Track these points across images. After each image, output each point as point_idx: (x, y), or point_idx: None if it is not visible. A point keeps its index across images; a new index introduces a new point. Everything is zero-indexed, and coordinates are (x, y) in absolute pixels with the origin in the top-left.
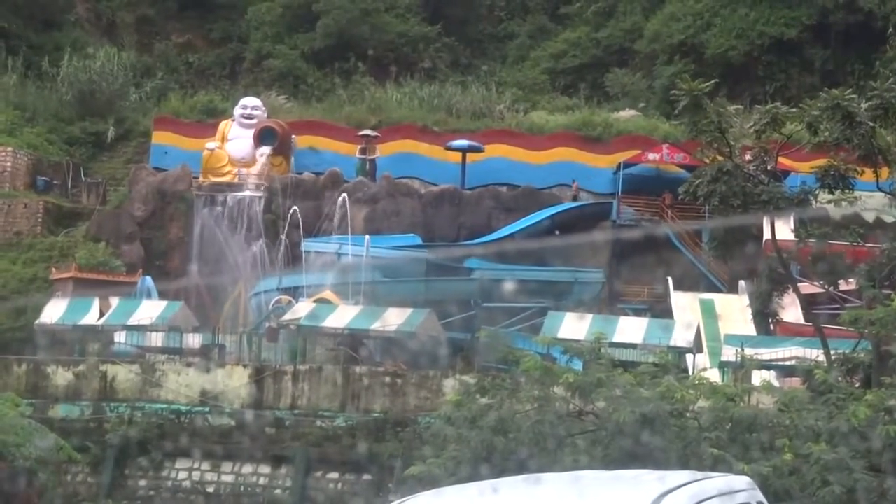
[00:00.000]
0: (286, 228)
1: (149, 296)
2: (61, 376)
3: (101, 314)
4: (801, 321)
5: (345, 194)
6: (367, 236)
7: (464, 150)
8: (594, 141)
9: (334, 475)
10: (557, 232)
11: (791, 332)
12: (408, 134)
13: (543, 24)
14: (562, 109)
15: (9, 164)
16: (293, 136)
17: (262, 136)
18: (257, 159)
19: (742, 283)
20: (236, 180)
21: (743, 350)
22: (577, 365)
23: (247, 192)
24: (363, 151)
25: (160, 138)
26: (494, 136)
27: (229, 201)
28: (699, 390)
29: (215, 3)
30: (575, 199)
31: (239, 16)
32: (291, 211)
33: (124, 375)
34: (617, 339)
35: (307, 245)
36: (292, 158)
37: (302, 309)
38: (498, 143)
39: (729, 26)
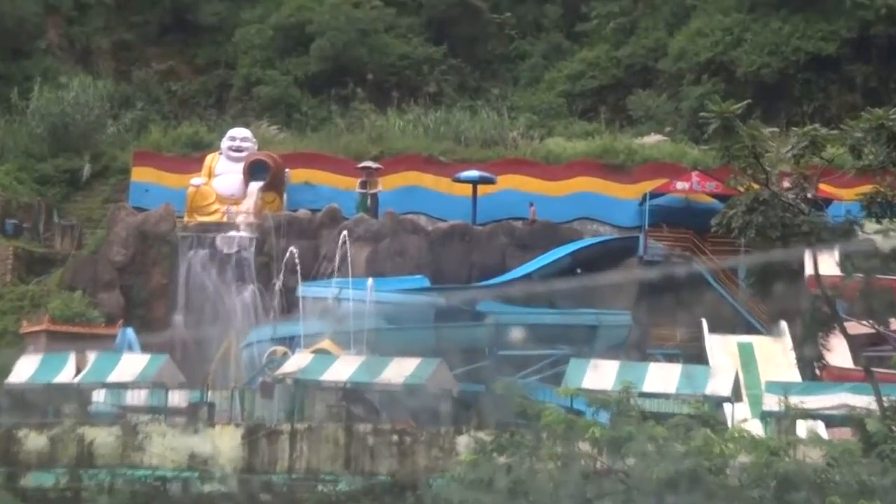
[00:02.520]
0: (281, 272)
1: (130, 349)
2: (34, 441)
3: (78, 371)
4: (850, 365)
5: (344, 233)
6: (370, 279)
7: (474, 182)
8: (617, 169)
9: None
10: (579, 271)
11: (839, 378)
12: (412, 165)
13: (558, 42)
14: (580, 135)
15: None
16: (287, 170)
17: (253, 171)
18: (248, 196)
19: (783, 323)
20: (225, 219)
21: (786, 398)
22: (604, 418)
23: (237, 233)
24: (363, 185)
25: (140, 175)
26: (507, 166)
27: (218, 243)
28: (739, 444)
29: (199, 25)
30: (532, 223)
31: (226, 39)
32: (287, 252)
33: (103, 438)
34: (647, 388)
35: (304, 290)
36: (286, 194)
37: (299, 361)
38: (511, 174)
39: (761, 42)
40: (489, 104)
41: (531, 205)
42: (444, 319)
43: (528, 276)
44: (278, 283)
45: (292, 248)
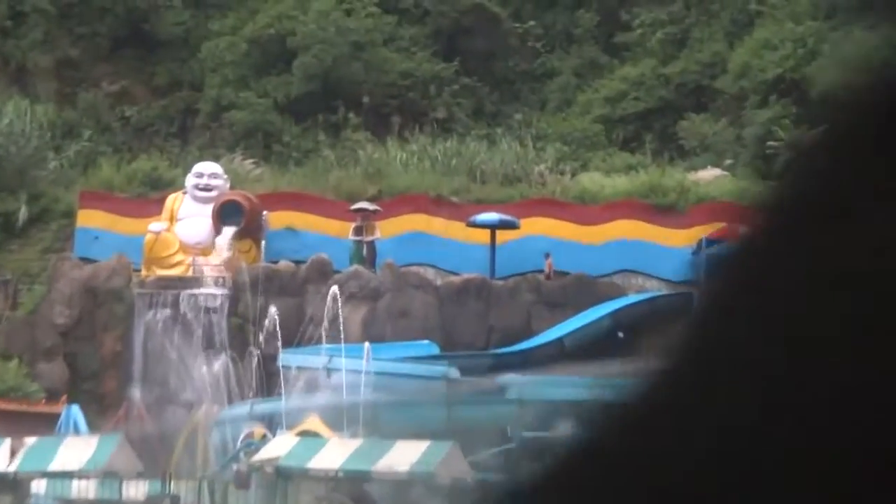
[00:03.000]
0: (259, 337)
1: (76, 430)
2: None
3: (12, 456)
4: None
5: (335, 289)
6: (367, 345)
7: (492, 227)
8: (666, 211)
9: None
10: (621, 334)
11: None
12: (417, 207)
13: (594, 57)
14: (622, 169)
15: None
16: (264, 213)
17: (224, 214)
18: (218, 244)
19: None
20: (190, 273)
21: None
22: None
23: (205, 290)
24: (358, 231)
25: (88, 219)
26: (533, 208)
27: (182, 302)
28: None
29: (159, 39)
30: (548, 278)
31: (190, 55)
32: (265, 313)
33: None
34: None
35: (286, 358)
36: (264, 242)
37: (281, 444)
38: (537, 217)
39: (841, 54)
40: (510, 132)
41: (547, 256)
42: (458, 394)
43: (558, 342)
44: (255, 351)
45: (272, 308)
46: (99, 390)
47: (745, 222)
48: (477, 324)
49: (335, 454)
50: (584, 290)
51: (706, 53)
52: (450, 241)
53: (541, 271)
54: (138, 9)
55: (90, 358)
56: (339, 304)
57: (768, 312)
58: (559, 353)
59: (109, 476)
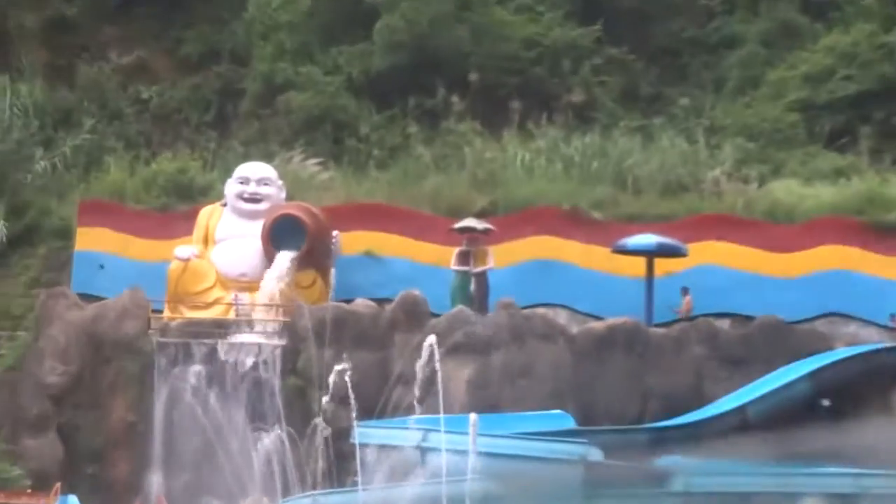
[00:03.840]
0: (325, 403)
1: None
2: None
3: None
4: None
5: (432, 338)
6: (474, 416)
7: (649, 254)
8: (887, 232)
9: None
10: (826, 402)
11: None
12: (546, 225)
13: (789, 19)
14: (827, 175)
15: None
16: (335, 233)
17: (279, 234)
18: (269, 277)
19: None
20: (232, 316)
21: None
22: None
23: (252, 338)
24: (463, 258)
25: (91, 240)
26: (704, 227)
27: (220, 355)
28: None
29: None
30: (683, 318)
31: (231, 14)
32: (335, 371)
33: None
34: None
35: (364, 434)
36: (334, 273)
37: None
38: (712, 240)
39: None
40: (673, 123)
41: (685, 292)
42: (601, 484)
43: (739, 413)
44: (321, 424)
45: (344, 365)
46: (105, 476)
47: None
48: (628, 387)
49: None
50: (776, 341)
51: None
52: (590, 272)
53: (721, 315)
54: None
55: (93, 432)
56: (437, 359)
57: None
58: (741, 428)
59: None
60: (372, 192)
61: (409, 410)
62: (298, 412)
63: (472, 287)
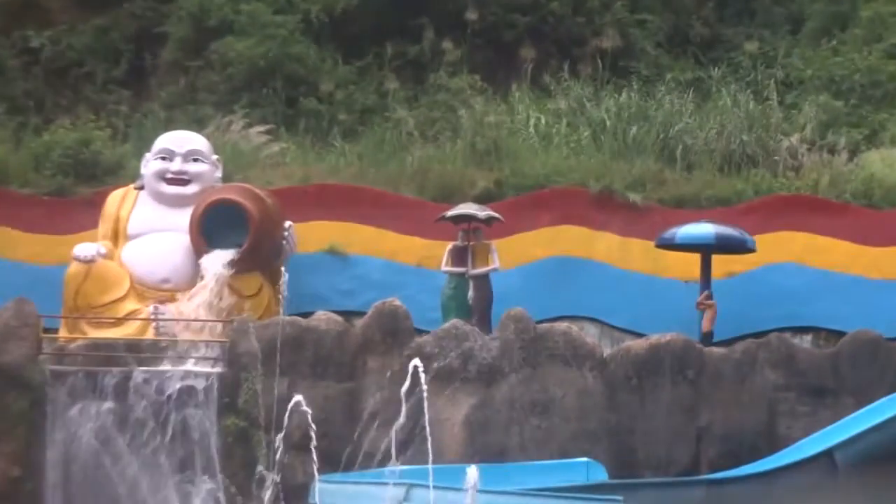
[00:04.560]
0: (275, 451)
1: None
2: None
3: None
4: None
5: (417, 363)
6: (472, 468)
7: (705, 250)
8: None
9: None
10: None
11: None
12: (568, 210)
13: None
14: None
15: None
16: (288, 225)
17: (214, 226)
18: (203, 281)
19: None
20: (150, 334)
21: None
22: None
23: (178, 366)
24: (459, 257)
25: None
26: (778, 212)
27: (135, 388)
28: None
29: None
30: (705, 338)
31: None
32: (289, 407)
33: None
34: None
35: (327, 490)
36: (286, 277)
37: None
38: (787, 230)
39: None
40: (736, 76)
41: (706, 296)
42: None
43: (824, 459)
44: (271, 476)
45: (298, 398)
46: None
47: None
48: (677, 425)
49: None
50: (872, 364)
51: None
52: (627, 274)
53: (801, 329)
54: None
55: None
56: (425, 391)
57: None
58: (826, 477)
59: None
60: (337, 169)
61: (387, 459)
62: (240, 461)
63: (471, 294)
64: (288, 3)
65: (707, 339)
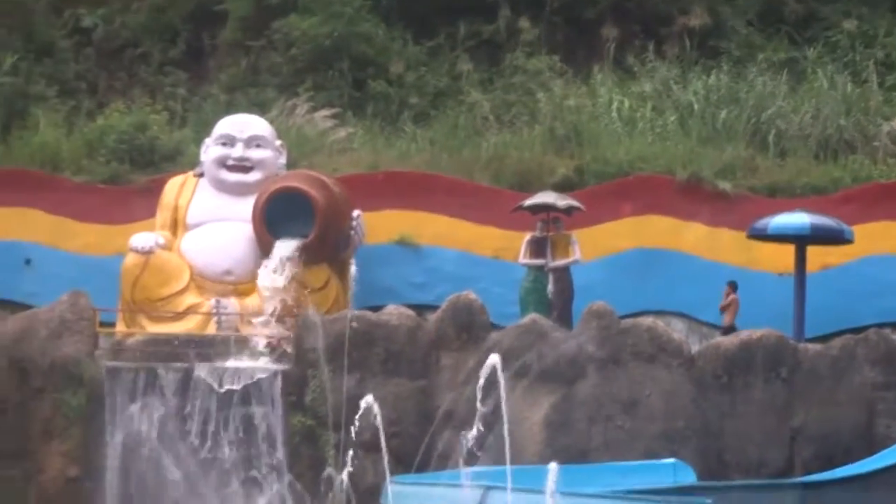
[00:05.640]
0: (344, 451)
1: None
2: None
3: None
4: None
5: (495, 360)
6: (554, 466)
7: (799, 240)
8: None
9: None
10: None
11: None
12: (652, 199)
13: None
14: None
15: None
16: (356, 214)
17: (278, 216)
18: (266, 272)
19: None
20: (212, 329)
21: None
22: None
23: (241, 362)
24: (538, 248)
25: (12, 225)
26: (877, 201)
27: (196, 386)
28: None
29: None
30: (726, 331)
31: None
32: (357, 406)
33: None
34: None
35: (400, 491)
36: (355, 269)
37: None
38: (887, 219)
39: None
40: (833, 56)
41: (731, 287)
42: None
43: None
44: (339, 477)
45: (369, 397)
46: None
47: None
48: (769, 425)
49: None
50: None
51: None
52: (716, 266)
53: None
54: None
55: (19, 492)
56: (502, 389)
57: None
58: None
59: None
60: (408, 155)
61: (461, 462)
62: (307, 461)
63: (551, 288)
64: None
65: (729, 332)
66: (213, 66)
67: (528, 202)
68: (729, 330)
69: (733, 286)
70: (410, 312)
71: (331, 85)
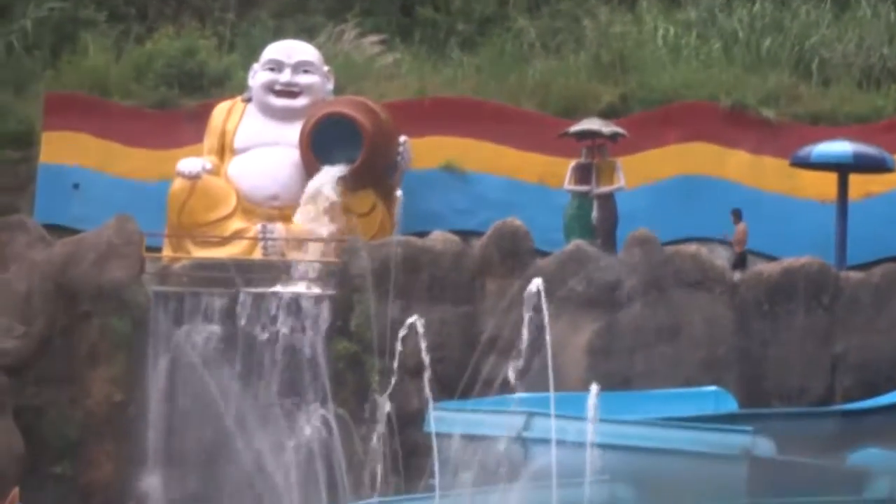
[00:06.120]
0: (389, 377)
1: None
2: None
3: None
4: None
5: (538, 285)
6: (595, 390)
7: (841, 169)
8: None
9: None
10: None
11: None
12: (696, 126)
13: None
14: None
15: None
16: (403, 140)
17: (324, 141)
18: (312, 197)
19: None
20: (258, 254)
21: None
22: None
23: (287, 287)
24: (582, 175)
25: (60, 149)
26: None
27: (242, 309)
28: None
29: None
30: (737, 262)
31: None
32: (403, 331)
33: None
34: None
35: (443, 418)
36: (401, 195)
37: None
38: None
39: None
40: None
41: (737, 215)
42: (773, 488)
43: None
44: (384, 403)
45: (415, 322)
46: (81, 478)
47: None
48: (810, 353)
49: None
50: None
51: None
52: (759, 193)
53: None
54: None
55: (64, 417)
56: (546, 316)
57: None
58: None
59: None
60: (454, 81)
61: (506, 387)
62: (351, 388)
63: (595, 214)
64: None
65: (740, 263)
66: None
67: (574, 129)
68: (740, 261)
69: (738, 214)
70: (455, 238)
71: (378, 11)
